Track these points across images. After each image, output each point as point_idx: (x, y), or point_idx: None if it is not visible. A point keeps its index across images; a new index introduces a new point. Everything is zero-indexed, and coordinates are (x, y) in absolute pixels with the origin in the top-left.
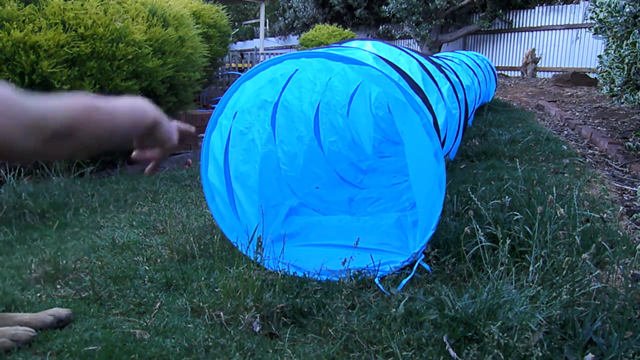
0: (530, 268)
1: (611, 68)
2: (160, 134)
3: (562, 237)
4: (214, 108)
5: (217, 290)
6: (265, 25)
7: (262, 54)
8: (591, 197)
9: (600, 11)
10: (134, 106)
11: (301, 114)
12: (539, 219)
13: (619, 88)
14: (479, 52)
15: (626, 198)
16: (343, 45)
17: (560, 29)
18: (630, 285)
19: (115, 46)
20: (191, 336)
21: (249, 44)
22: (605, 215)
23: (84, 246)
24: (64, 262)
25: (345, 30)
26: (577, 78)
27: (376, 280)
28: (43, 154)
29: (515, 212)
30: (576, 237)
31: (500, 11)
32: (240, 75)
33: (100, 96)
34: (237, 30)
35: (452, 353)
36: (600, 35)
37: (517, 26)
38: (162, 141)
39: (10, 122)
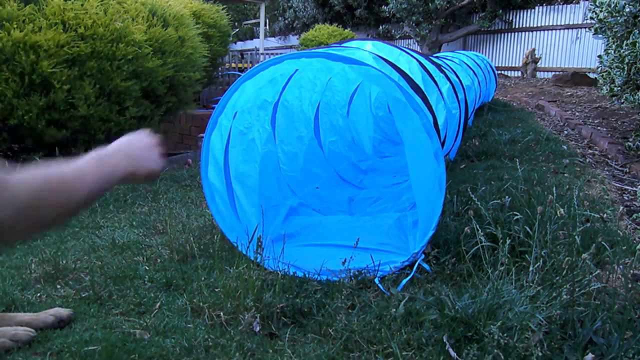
0: (530, 268)
1: (611, 68)
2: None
3: (562, 237)
4: (214, 108)
5: (217, 290)
6: (265, 25)
7: (262, 54)
8: (591, 197)
9: (600, 11)
10: (101, 164)
11: (301, 114)
12: (539, 219)
13: (619, 88)
14: (479, 52)
15: (626, 198)
16: (343, 45)
17: (560, 29)
18: (630, 285)
19: (115, 46)
20: (191, 336)
21: (249, 44)
22: (605, 215)
23: (84, 246)
24: (64, 262)
25: (345, 30)
26: (577, 78)
27: (376, 280)
28: (11, 229)
29: (515, 212)
30: (576, 237)
31: (500, 11)
32: (240, 75)
33: (67, 161)
34: (237, 30)
35: (452, 353)
36: (600, 35)
37: (517, 26)
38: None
39: None
